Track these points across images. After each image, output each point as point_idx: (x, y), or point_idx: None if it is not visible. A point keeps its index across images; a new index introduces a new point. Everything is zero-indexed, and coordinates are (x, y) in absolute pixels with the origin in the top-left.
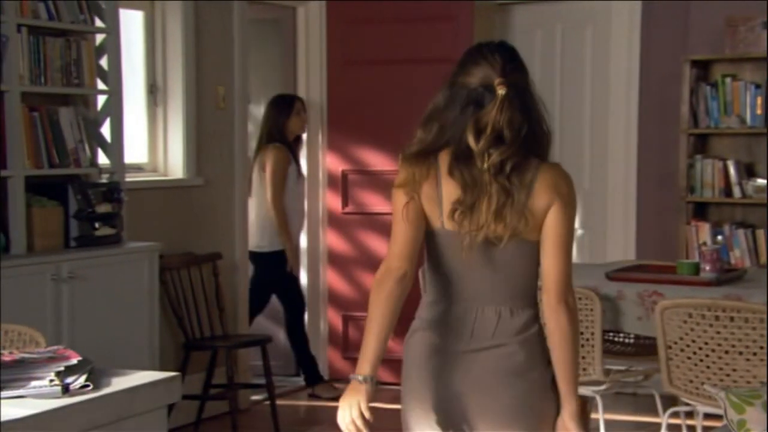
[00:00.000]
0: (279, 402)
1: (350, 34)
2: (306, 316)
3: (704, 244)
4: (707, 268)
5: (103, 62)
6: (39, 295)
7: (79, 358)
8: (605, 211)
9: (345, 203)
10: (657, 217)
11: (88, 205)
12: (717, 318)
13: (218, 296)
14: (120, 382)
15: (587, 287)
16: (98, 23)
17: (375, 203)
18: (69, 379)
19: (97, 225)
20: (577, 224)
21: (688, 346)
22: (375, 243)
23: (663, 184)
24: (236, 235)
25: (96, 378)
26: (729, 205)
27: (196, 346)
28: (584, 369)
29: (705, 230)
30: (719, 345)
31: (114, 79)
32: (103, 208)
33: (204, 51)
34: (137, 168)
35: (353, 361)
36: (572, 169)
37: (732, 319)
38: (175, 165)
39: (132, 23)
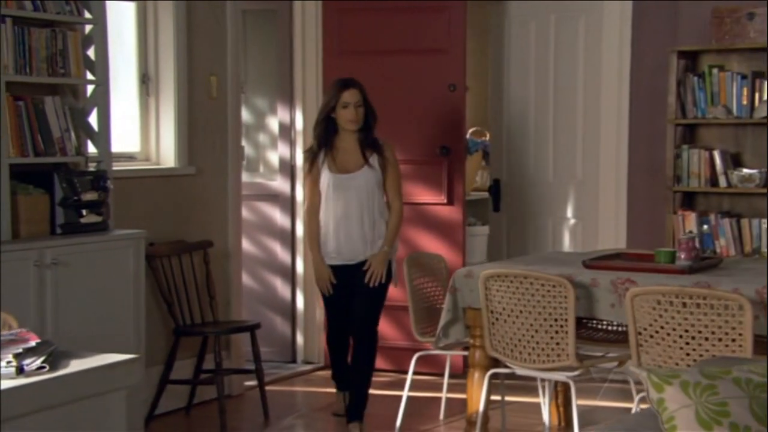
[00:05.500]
0: (272, 388)
1: (345, 25)
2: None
3: (690, 233)
4: (682, 256)
5: (91, 53)
6: (22, 281)
7: (38, 341)
8: (597, 201)
9: None
10: (647, 207)
11: (73, 193)
12: (684, 305)
13: (209, 283)
14: (78, 364)
15: (562, 275)
16: (86, 14)
17: None
18: (26, 361)
19: (83, 212)
20: (569, 213)
21: (657, 332)
22: None
23: (653, 174)
24: (229, 223)
25: (55, 360)
26: (716, 195)
27: (185, 332)
28: (558, 355)
29: (691, 219)
30: (686, 331)
31: (101, 69)
32: (89, 196)
33: (196, 41)
34: (129, 157)
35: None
36: (565, 159)
37: (698, 305)
38: (167, 154)
39: (124, 14)
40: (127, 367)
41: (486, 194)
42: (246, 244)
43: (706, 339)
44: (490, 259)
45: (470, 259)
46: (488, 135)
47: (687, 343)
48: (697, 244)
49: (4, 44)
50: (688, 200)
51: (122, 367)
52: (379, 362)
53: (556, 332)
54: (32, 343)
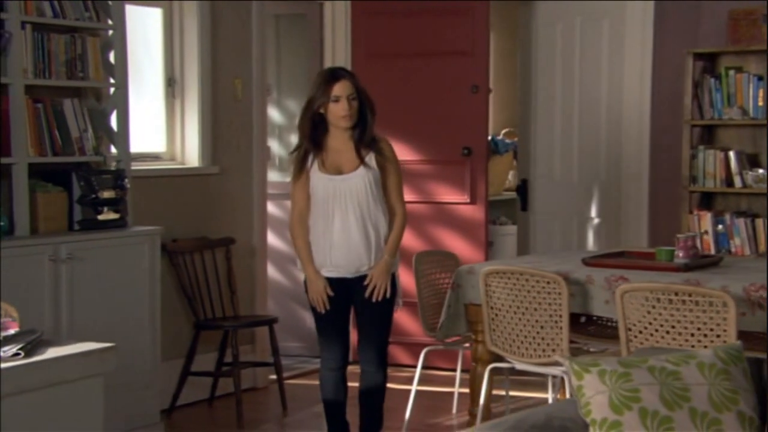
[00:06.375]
0: (298, 381)
1: (373, 28)
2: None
3: (705, 232)
4: (680, 254)
5: (112, 57)
6: (38, 276)
7: (17, 329)
8: (619, 200)
9: None
10: (668, 206)
11: (91, 191)
12: (670, 301)
13: (230, 279)
14: (55, 352)
15: (558, 272)
16: (108, 21)
17: None
18: (4, 348)
19: (100, 210)
20: (593, 213)
21: (645, 327)
22: None
23: (673, 175)
24: (254, 220)
25: (34, 348)
26: (734, 195)
27: (205, 326)
28: (553, 350)
29: (707, 219)
30: (673, 327)
31: (120, 73)
32: (106, 194)
33: (221, 45)
34: (155, 157)
35: None
36: (589, 160)
37: (684, 302)
38: (192, 154)
39: (151, 19)
40: (102, 354)
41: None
42: (277, 242)
43: (692, 335)
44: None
45: (499, 258)
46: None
47: (674, 339)
48: (697, 243)
49: (23, 49)
50: (707, 200)
51: (97, 354)
52: (399, 357)
53: (551, 328)
54: (11, 332)
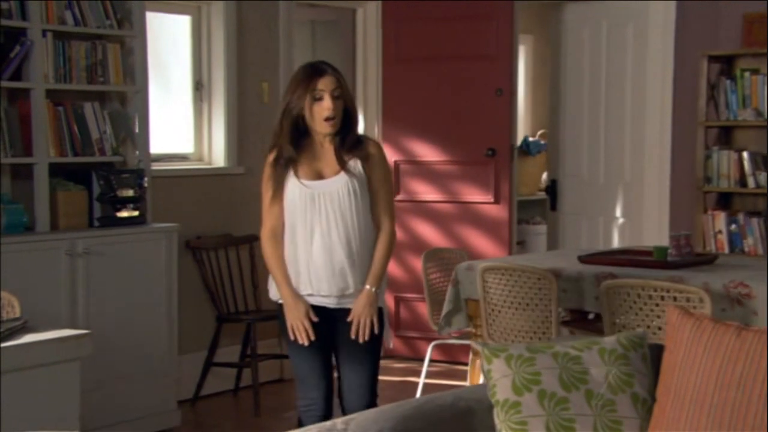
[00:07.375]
0: None
1: (402, 33)
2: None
3: (719, 232)
4: (673, 252)
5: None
6: (54, 270)
7: None
8: (642, 201)
9: (397, 191)
10: (688, 207)
11: (110, 190)
12: (650, 297)
13: (253, 274)
14: (32, 338)
15: (551, 268)
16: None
17: (425, 191)
18: None
19: (119, 207)
20: (618, 213)
21: (629, 322)
22: (424, 228)
23: (692, 175)
24: None
25: (12, 333)
26: (751, 195)
27: (226, 319)
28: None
29: (721, 219)
30: (653, 321)
31: (140, 77)
32: (125, 193)
33: (248, 50)
34: (183, 157)
35: (405, 339)
36: (615, 161)
37: (663, 298)
38: (218, 155)
39: (181, 26)
40: (78, 340)
41: None
42: None
43: None
44: None
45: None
46: None
47: (654, 333)
48: (691, 242)
49: (44, 56)
50: (724, 200)
51: (72, 340)
52: (423, 351)
53: (543, 322)
54: None
